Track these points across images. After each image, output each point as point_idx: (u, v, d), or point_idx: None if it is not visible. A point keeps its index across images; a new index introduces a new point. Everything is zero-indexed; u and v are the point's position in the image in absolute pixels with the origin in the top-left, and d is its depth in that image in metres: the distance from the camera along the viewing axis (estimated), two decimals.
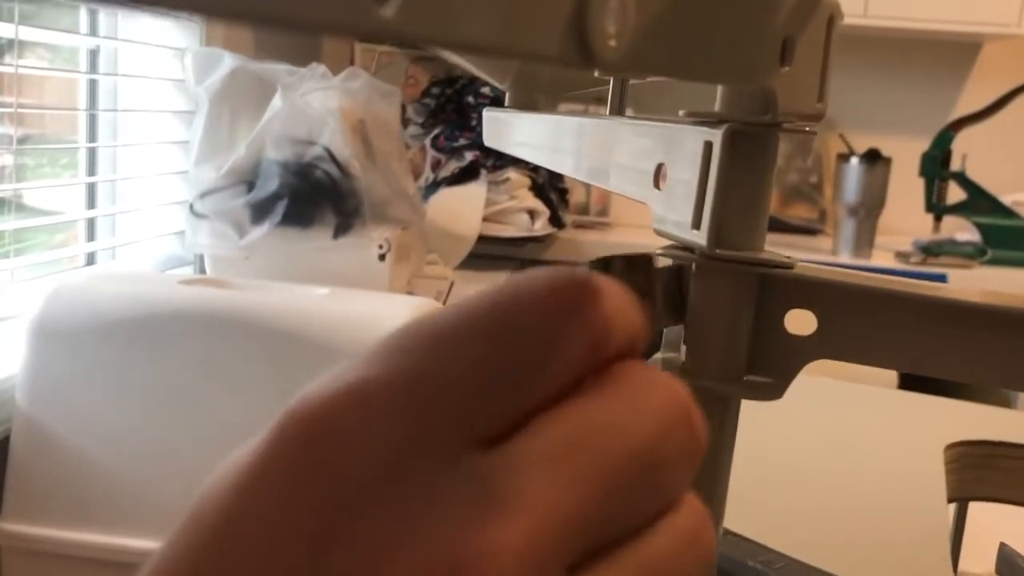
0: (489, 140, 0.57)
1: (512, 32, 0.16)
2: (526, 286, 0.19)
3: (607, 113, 0.40)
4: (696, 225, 0.27)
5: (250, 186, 1.38)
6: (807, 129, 0.28)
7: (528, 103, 0.57)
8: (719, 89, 0.28)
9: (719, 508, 0.29)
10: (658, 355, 0.30)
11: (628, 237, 2.17)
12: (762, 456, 0.68)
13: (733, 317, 0.28)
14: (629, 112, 0.40)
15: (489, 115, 0.57)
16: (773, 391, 0.28)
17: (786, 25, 0.25)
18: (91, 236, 1.51)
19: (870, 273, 0.30)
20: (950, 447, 0.69)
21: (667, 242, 0.30)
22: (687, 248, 0.29)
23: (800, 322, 0.29)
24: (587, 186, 2.35)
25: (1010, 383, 0.27)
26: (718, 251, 0.27)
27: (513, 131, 0.54)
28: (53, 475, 1.13)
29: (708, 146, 0.27)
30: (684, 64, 0.21)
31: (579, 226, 2.25)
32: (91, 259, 1.49)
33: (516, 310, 0.19)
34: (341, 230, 1.35)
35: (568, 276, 0.19)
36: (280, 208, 1.35)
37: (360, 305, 1.16)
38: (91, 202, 1.52)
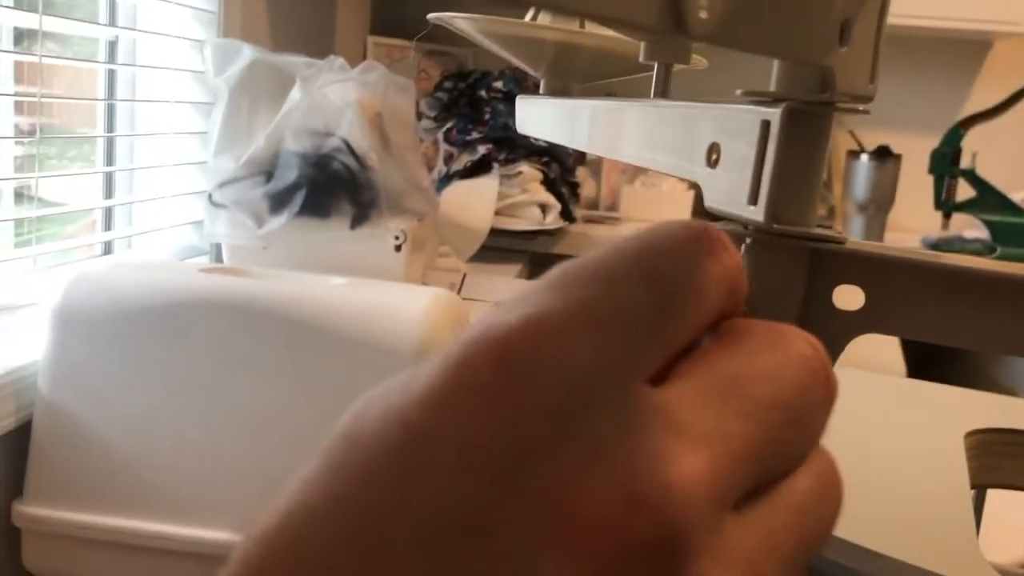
0: (521, 127, 0.58)
1: (618, 2, 0.17)
2: (668, 232, 0.20)
3: (651, 96, 0.41)
4: (753, 201, 0.28)
5: (268, 177, 1.39)
6: (860, 108, 0.29)
7: (563, 90, 0.58)
8: (775, 70, 0.29)
9: None
10: None
11: None
12: None
13: (785, 291, 0.29)
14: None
15: (522, 102, 0.58)
16: None
17: (846, 7, 0.26)
18: (108, 226, 1.53)
19: (921, 249, 0.31)
20: (969, 435, 0.70)
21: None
22: (743, 224, 0.30)
23: (848, 298, 0.30)
24: (597, 181, 2.36)
25: None
26: (775, 226, 0.28)
27: (547, 118, 0.55)
28: (74, 460, 1.15)
29: (766, 124, 0.28)
30: (761, 39, 0.22)
31: (589, 220, 2.26)
32: (108, 248, 1.50)
33: (666, 254, 0.20)
34: (358, 221, 1.36)
35: (703, 226, 0.20)
36: (298, 199, 1.36)
37: (376, 295, 1.18)
38: (108, 192, 1.53)
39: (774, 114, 0.28)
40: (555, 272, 0.20)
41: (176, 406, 1.14)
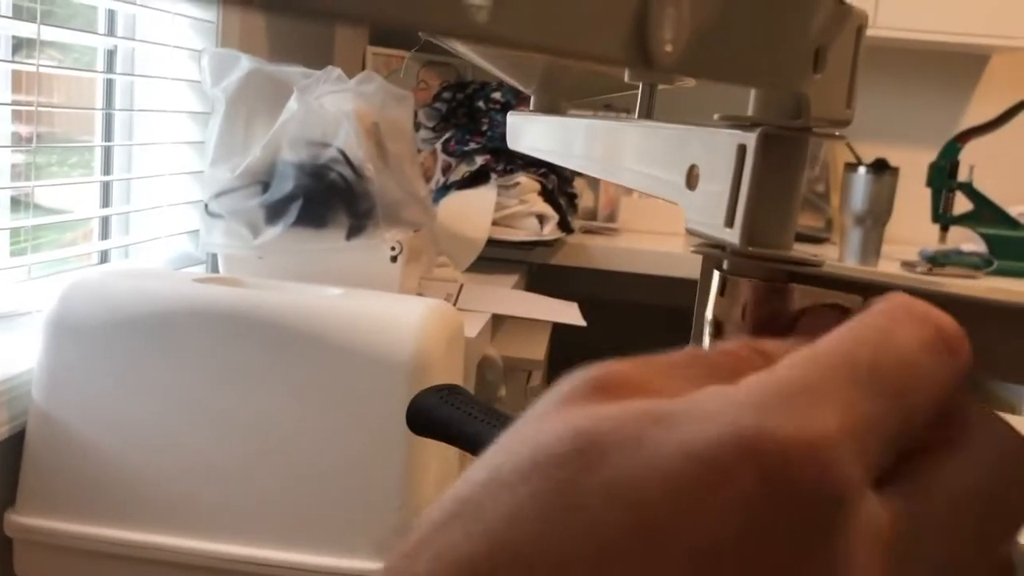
0: (512, 143, 0.58)
1: (582, 37, 0.17)
2: (915, 336, 0.21)
3: (636, 117, 0.41)
4: (729, 224, 0.29)
5: (265, 187, 1.39)
6: (836, 134, 0.29)
7: (552, 107, 0.58)
8: (752, 95, 0.29)
9: None
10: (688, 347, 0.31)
11: (635, 243, 2.18)
12: None
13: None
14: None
15: (512, 119, 0.58)
16: None
17: (819, 35, 0.26)
18: (104, 235, 1.53)
19: (895, 272, 0.31)
20: None
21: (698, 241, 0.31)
22: (719, 246, 0.30)
23: None
24: (595, 192, 2.37)
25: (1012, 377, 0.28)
26: (750, 248, 0.28)
27: (537, 134, 0.55)
28: (67, 470, 1.15)
29: (742, 148, 0.28)
30: (730, 68, 0.22)
31: (587, 231, 2.27)
32: (104, 257, 1.51)
33: (917, 369, 0.20)
34: (354, 231, 1.36)
35: (939, 316, 0.21)
36: (294, 209, 1.37)
37: (372, 305, 1.18)
38: (105, 201, 1.54)
39: (750, 138, 0.28)
40: (812, 368, 0.20)
41: (170, 416, 1.14)
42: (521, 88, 0.59)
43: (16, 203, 1.34)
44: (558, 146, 0.49)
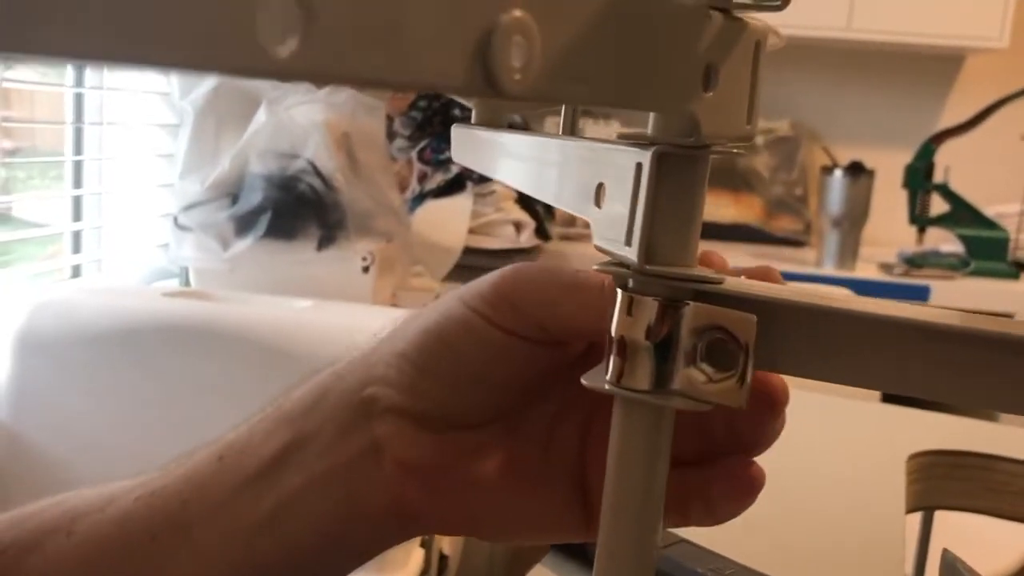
0: (457, 157, 0.58)
1: (414, 66, 0.17)
2: None
3: (559, 132, 0.41)
4: (628, 242, 0.28)
5: (234, 199, 1.39)
6: (735, 151, 0.29)
7: (493, 119, 0.58)
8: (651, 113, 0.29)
9: (655, 516, 0.30)
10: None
11: None
12: None
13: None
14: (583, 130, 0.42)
15: (456, 132, 0.58)
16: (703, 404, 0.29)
17: (707, 53, 0.26)
18: (77, 248, 1.52)
19: (812, 285, 0.31)
20: (914, 456, 0.70)
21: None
22: (624, 265, 0.30)
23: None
24: None
25: (931, 393, 0.28)
26: (647, 267, 0.28)
27: (474, 149, 0.55)
28: (35, 486, 1.14)
29: (639, 167, 0.28)
30: (597, 93, 0.22)
31: (565, 238, 2.27)
32: (77, 271, 1.50)
33: None
34: (325, 243, 1.36)
35: None
36: (264, 221, 1.36)
37: (342, 317, 1.17)
38: (77, 214, 1.53)
39: (646, 156, 0.28)
40: None
41: (141, 431, 1.14)
42: (462, 101, 0.59)
43: None
44: (491, 162, 0.49)
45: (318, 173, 1.36)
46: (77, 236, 1.52)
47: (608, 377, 0.30)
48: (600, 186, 0.32)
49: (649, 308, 0.29)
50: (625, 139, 0.30)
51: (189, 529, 0.33)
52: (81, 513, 0.35)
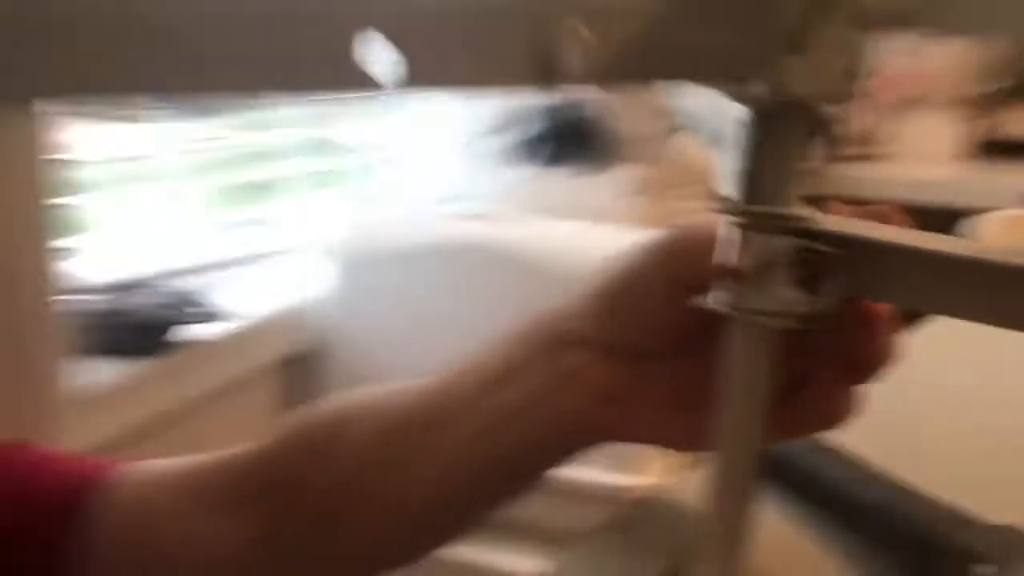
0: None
1: (489, 72, 0.24)
2: None
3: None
4: (738, 185, 0.34)
5: (517, 129, 1.50)
6: (833, 109, 0.34)
7: None
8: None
9: (758, 422, 0.36)
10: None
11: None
12: (925, 382, 0.72)
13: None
14: None
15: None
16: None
17: (791, 18, 0.31)
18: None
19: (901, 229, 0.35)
20: None
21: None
22: (736, 206, 0.35)
23: None
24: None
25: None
26: (750, 207, 0.34)
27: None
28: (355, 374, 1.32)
29: (745, 117, 0.33)
30: (667, 73, 0.28)
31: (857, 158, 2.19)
32: (379, 196, 1.68)
33: None
34: (596, 168, 1.44)
35: None
36: (543, 149, 1.47)
37: (613, 240, 1.25)
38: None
39: (747, 109, 0.33)
40: None
41: (441, 345, 1.28)
42: None
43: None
44: None
45: (592, 103, 1.44)
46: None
47: (724, 300, 0.35)
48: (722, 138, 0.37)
49: (756, 241, 0.35)
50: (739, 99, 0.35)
51: (443, 427, 0.43)
52: (370, 409, 0.46)
